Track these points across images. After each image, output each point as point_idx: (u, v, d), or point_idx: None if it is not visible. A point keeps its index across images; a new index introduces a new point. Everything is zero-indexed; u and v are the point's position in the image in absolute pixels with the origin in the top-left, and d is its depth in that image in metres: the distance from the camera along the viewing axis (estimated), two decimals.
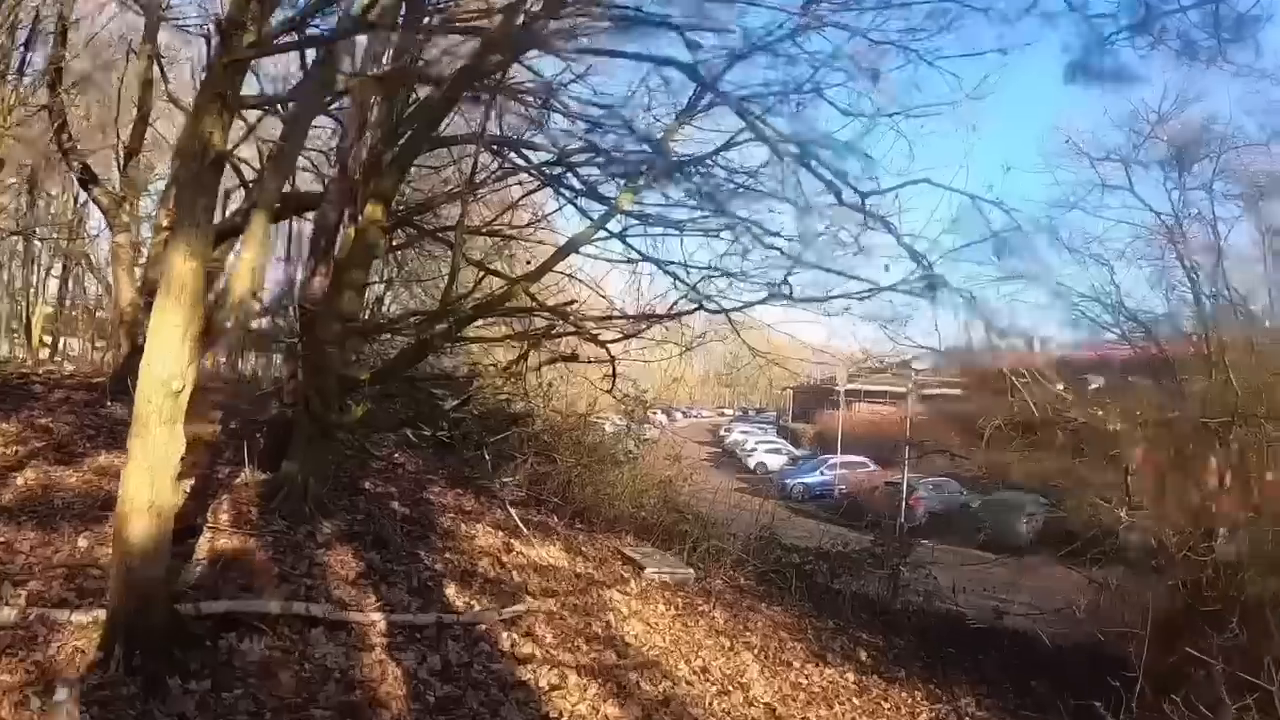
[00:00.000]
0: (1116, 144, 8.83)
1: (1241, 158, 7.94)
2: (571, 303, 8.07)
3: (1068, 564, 9.96)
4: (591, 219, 9.55)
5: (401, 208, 8.51)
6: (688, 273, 9.20)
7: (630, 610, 8.03)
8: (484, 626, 5.42)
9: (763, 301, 7.61)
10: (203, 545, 5.10)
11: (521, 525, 9.58)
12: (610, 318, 8.57)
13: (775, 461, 34.32)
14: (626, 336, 9.50)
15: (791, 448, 37.11)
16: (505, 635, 5.50)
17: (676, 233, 9.22)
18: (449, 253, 10.73)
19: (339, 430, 6.84)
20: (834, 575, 12.54)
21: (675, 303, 9.36)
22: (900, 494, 22.22)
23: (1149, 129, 8.18)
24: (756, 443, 37.65)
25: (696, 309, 8.36)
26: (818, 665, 7.96)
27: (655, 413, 19.83)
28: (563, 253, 8.16)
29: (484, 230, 8.93)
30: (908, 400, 22.49)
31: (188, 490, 6.11)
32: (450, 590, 6.21)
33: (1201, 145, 7.99)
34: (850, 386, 33.62)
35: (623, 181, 8.33)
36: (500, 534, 9.18)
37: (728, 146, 8.17)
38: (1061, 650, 8.35)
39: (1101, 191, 8.80)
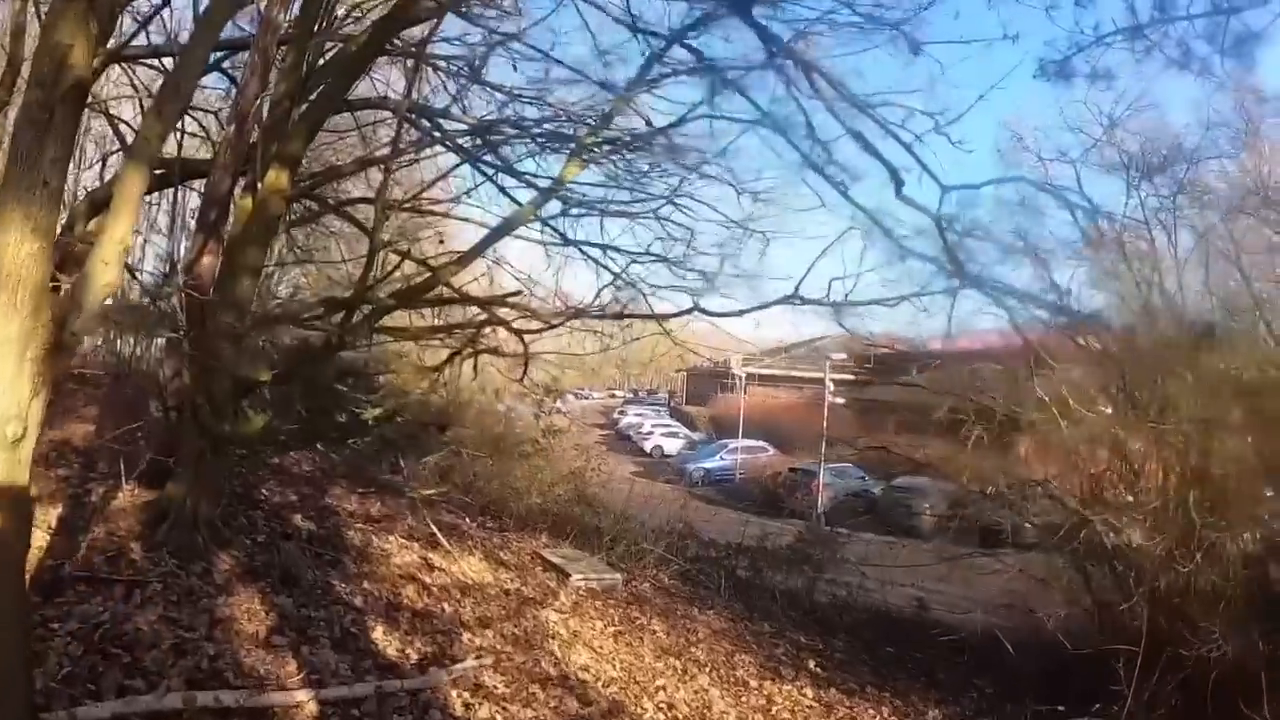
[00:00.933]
0: (1068, 144, 8.59)
1: (1200, 171, 7.84)
2: (517, 293, 7.11)
3: (995, 556, 9.94)
4: (513, 198, 8.64)
5: (301, 179, 7.29)
6: (607, 258, 8.53)
7: (570, 632, 7.28)
8: (430, 689, 4.50)
9: (771, 305, 6.90)
10: (73, 610, 3.94)
11: (437, 532, 8.65)
12: (568, 314, 7.69)
13: (672, 445, 34.05)
14: (550, 326, 8.67)
15: (688, 431, 36.95)
16: (455, 696, 4.61)
17: (605, 216, 8.53)
18: (351, 231, 9.54)
19: (234, 445, 5.67)
20: (757, 571, 12.19)
21: (600, 291, 8.65)
22: (802, 479, 22.30)
23: (1101, 133, 7.95)
24: (653, 426, 37.27)
25: (691, 310, 7.56)
26: (774, 681, 7.45)
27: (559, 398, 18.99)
28: (497, 234, 7.19)
29: (404, 205, 7.78)
30: (826, 388, 22.51)
31: (53, 524, 4.89)
32: (378, 635, 5.24)
33: (1158, 154, 7.84)
34: (747, 370, 33.76)
35: (567, 153, 7.47)
36: (416, 546, 8.27)
37: (682, 121, 7.47)
38: (1017, 648, 8.14)
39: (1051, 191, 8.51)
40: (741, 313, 7.43)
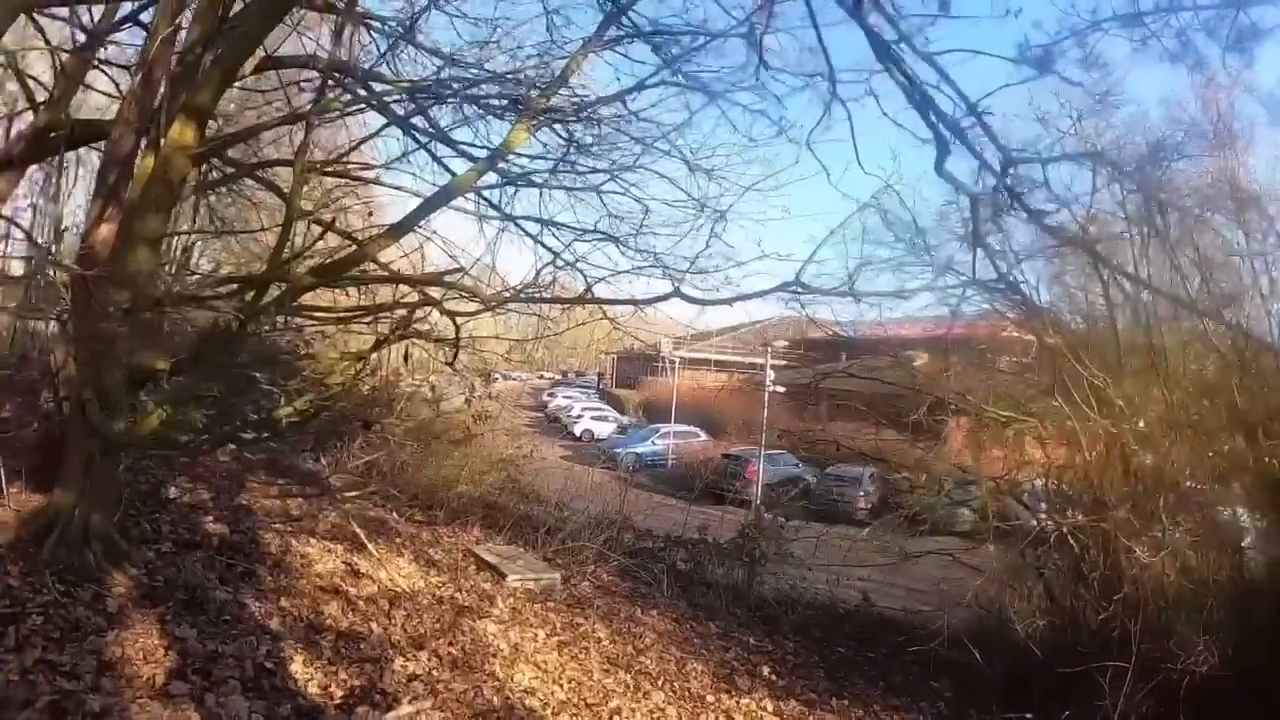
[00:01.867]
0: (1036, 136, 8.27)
1: (1171, 171, 7.64)
2: (458, 270, 6.41)
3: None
4: (448, 167, 7.90)
5: (214, 139, 6.39)
6: (547, 233, 7.98)
7: (511, 646, 6.67)
8: None
9: (771, 292, 6.31)
10: None
11: (362, 534, 7.89)
12: (525, 295, 7.04)
13: (602, 429, 33.56)
14: (492, 308, 8.00)
15: (618, 415, 36.49)
16: None
17: (547, 189, 7.94)
18: (275, 201, 8.59)
19: (128, 447, 4.84)
20: (698, 564, 11.78)
21: (540, 268, 8.05)
22: (737, 466, 22.12)
23: (1071, 125, 7.60)
24: (582, 409, 36.72)
25: (671, 295, 6.95)
26: (731, 694, 6.99)
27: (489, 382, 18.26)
28: (432, 205, 6.44)
29: (326, 168, 6.91)
30: (766, 374, 22.26)
31: None
32: (297, 668, 4.53)
33: (1129, 151, 7.59)
34: (679, 355, 33.49)
35: (509, 121, 6.79)
36: (340, 549, 7.58)
37: (641, 87, 6.88)
38: (978, 648, 7.88)
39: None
40: (731, 301, 6.91)
